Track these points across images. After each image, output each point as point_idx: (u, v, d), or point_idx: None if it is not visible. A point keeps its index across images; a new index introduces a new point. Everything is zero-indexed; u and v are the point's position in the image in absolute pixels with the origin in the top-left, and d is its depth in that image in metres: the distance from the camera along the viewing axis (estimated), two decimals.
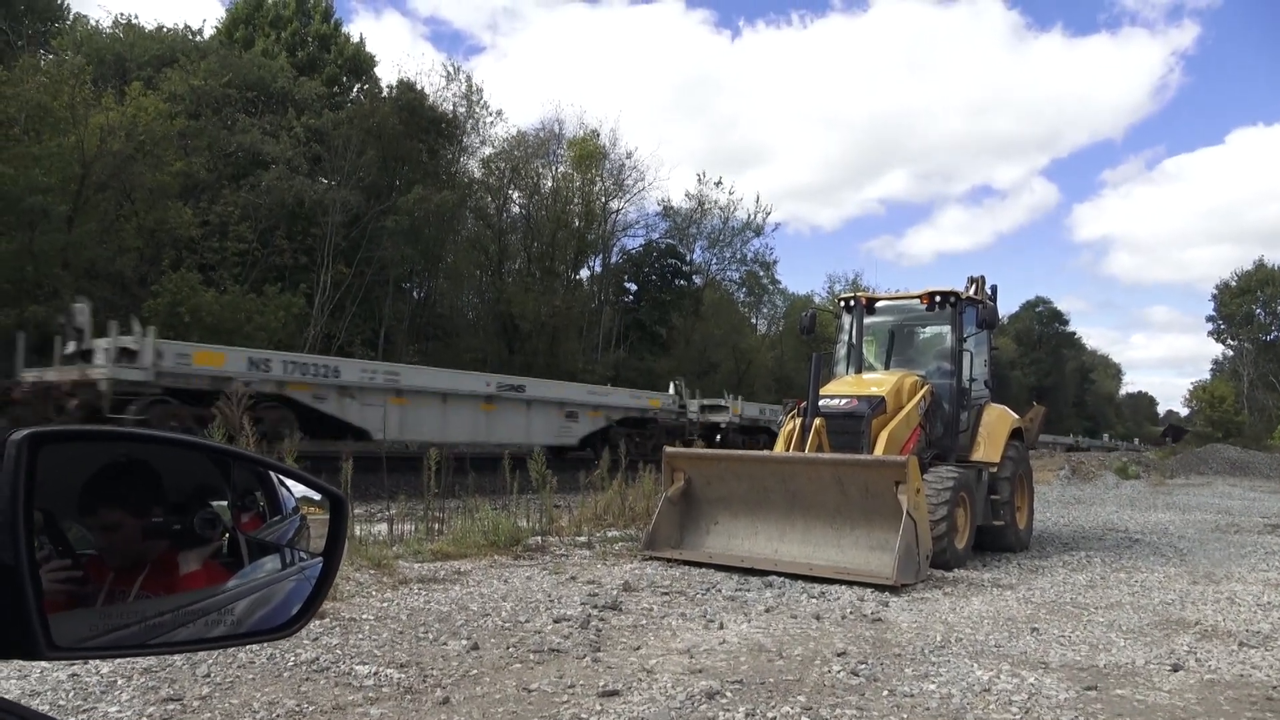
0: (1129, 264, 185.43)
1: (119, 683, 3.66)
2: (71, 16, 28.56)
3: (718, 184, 41.55)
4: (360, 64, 32.88)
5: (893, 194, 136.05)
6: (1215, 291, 65.78)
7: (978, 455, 8.94)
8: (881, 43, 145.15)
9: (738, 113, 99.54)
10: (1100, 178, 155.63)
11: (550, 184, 36.89)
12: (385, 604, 5.43)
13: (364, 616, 5.06)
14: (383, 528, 8.05)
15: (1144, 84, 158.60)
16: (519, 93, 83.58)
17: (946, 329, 9.23)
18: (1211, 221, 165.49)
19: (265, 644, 4.00)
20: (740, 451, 9.27)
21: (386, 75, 33.52)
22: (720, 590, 6.28)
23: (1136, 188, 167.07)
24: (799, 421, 8.05)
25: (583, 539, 8.56)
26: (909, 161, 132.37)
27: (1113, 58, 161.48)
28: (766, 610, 5.67)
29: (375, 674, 3.93)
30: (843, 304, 9.88)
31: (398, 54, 67.51)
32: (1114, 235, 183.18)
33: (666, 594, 6.09)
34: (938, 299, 9.08)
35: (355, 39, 33.21)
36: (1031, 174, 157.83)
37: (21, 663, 2.75)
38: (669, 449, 8.39)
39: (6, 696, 0.94)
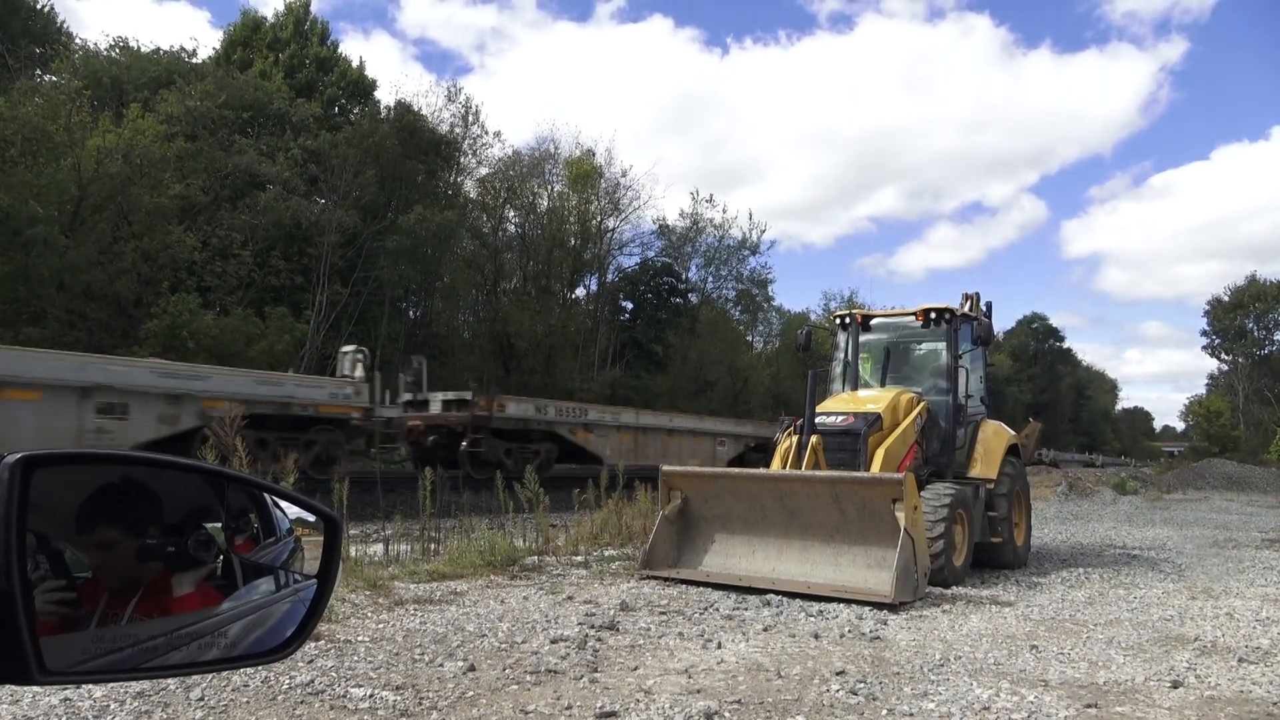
0: (1120, 280, 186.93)
1: (112, 707, 3.63)
2: (66, 36, 28.65)
3: (710, 201, 41.74)
4: (362, 88, 33.02)
5: (883, 211, 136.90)
6: (1208, 307, 66.12)
7: (975, 472, 8.94)
8: (870, 60, 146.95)
9: (728, 131, 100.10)
10: (1088, 194, 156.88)
11: (546, 203, 37.05)
12: (381, 625, 5.39)
13: (359, 638, 5.03)
14: (378, 548, 8.02)
15: (1133, 100, 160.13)
16: (508, 112, 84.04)
17: (942, 346, 9.24)
18: (1200, 237, 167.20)
19: (260, 667, 3.97)
20: (738, 470, 9.24)
21: (383, 96, 33.73)
22: (718, 609, 6.25)
23: (1124, 204, 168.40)
24: (796, 439, 8.04)
25: (579, 558, 8.53)
26: (899, 179, 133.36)
27: (1102, 74, 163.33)
28: (764, 629, 5.65)
29: (370, 696, 3.90)
30: (838, 321, 9.90)
31: (390, 74, 68.14)
32: (1104, 251, 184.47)
33: (664, 613, 6.06)
34: (933, 316, 9.10)
35: (355, 63, 33.38)
36: (1021, 191, 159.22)
37: (13, 687, 2.72)
38: (665, 468, 8.36)
39: None
